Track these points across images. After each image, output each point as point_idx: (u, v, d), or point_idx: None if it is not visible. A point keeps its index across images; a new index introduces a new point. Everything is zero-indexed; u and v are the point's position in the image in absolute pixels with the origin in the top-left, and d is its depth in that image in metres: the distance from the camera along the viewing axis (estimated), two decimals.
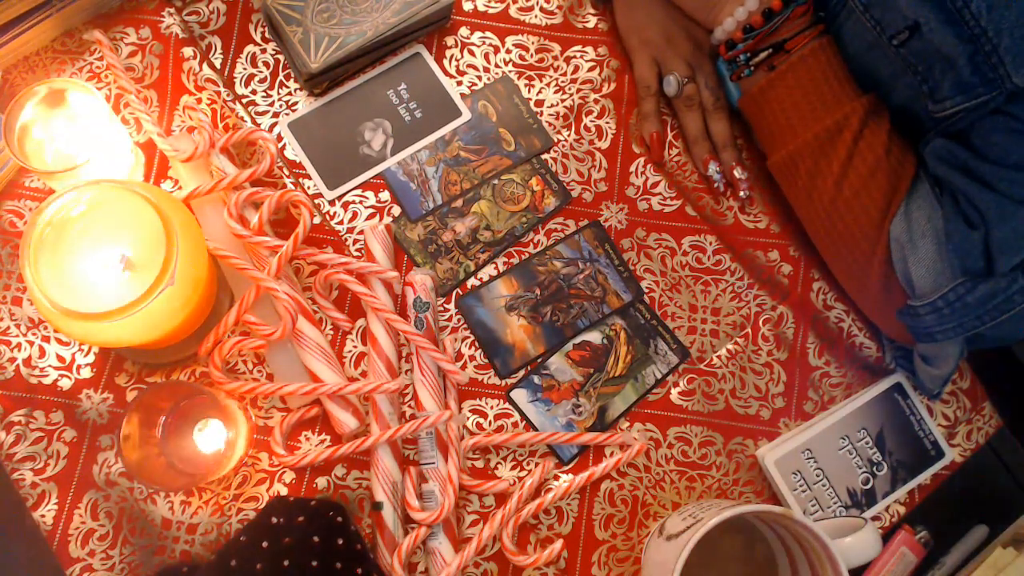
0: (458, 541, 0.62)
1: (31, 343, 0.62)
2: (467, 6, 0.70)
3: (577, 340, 0.65)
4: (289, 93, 0.67)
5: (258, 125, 0.66)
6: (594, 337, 0.66)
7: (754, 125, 0.65)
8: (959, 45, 0.51)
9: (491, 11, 0.70)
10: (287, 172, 0.66)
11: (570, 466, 0.64)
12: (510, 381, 0.65)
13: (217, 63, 0.67)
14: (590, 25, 0.71)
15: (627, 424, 0.65)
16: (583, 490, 0.64)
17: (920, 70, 0.55)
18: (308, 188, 0.66)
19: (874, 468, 0.65)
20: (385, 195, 0.67)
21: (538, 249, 0.67)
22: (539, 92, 0.69)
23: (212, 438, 0.60)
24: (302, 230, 0.61)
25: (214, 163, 0.63)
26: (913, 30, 0.53)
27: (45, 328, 0.62)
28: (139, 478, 0.55)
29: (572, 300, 0.66)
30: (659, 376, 0.66)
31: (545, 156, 0.68)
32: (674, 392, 0.65)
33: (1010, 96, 0.51)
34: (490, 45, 0.70)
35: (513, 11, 0.70)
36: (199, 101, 0.66)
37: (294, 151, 0.66)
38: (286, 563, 0.55)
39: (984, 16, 0.49)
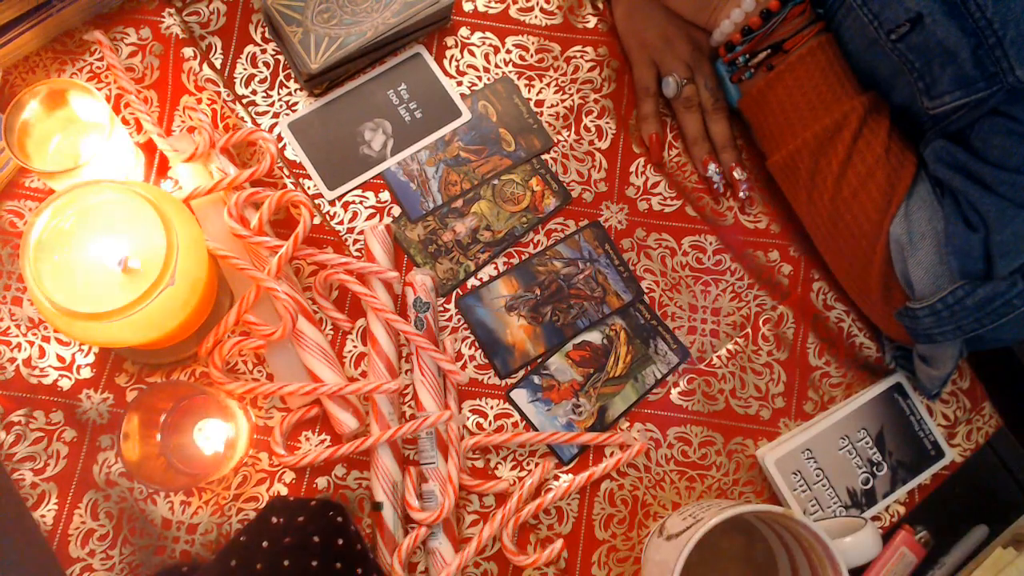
0: (458, 541, 0.62)
1: (31, 343, 0.62)
2: (467, 6, 0.70)
3: (577, 340, 0.65)
4: (289, 93, 0.67)
5: (258, 125, 0.66)
6: (594, 337, 0.66)
7: (754, 126, 0.65)
8: (962, 37, 0.50)
9: (491, 11, 0.70)
10: (287, 172, 0.66)
11: (570, 466, 0.64)
12: (510, 381, 0.65)
13: (217, 63, 0.67)
14: (590, 25, 0.71)
15: (627, 424, 0.65)
16: (583, 490, 0.64)
17: (917, 66, 0.55)
18: (308, 188, 0.66)
19: (874, 468, 0.65)
20: (385, 195, 0.67)
21: (538, 249, 0.67)
22: (539, 92, 0.69)
23: (212, 438, 0.60)
24: (302, 230, 0.61)
25: (214, 163, 0.63)
26: (914, 23, 0.53)
27: (45, 328, 0.62)
28: (139, 478, 0.55)
29: (572, 300, 0.66)
30: (659, 376, 0.66)
31: (545, 156, 0.68)
32: (674, 392, 0.65)
33: (1010, 94, 0.51)
34: (490, 45, 0.70)
35: (513, 11, 0.70)
36: (199, 101, 0.66)
37: (294, 151, 0.67)
38: (286, 563, 0.55)
39: (990, 7, 0.49)
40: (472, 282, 0.66)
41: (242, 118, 0.66)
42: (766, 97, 0.61)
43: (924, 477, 0.66)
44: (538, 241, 0.67)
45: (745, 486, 0.65)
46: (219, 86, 0.66)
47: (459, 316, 0.65)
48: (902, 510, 0.66)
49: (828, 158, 0.59)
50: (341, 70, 0.66)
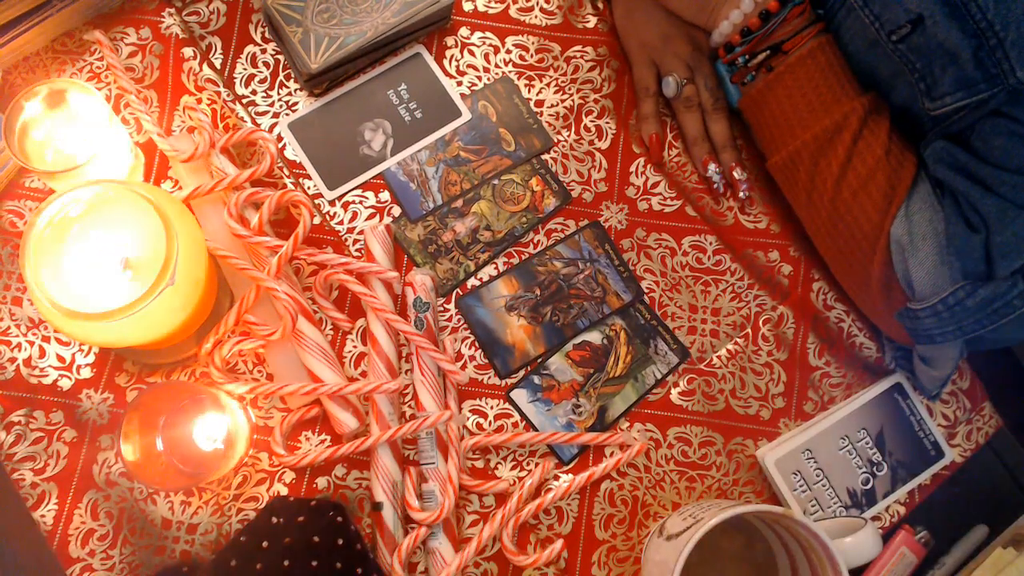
0: (458, 541, 0.62)
1: (31, 343, 0.62)
2: (467, 6, 0.70)
3: (577, 340, 0.65)
4: (289, 93, 0.67)
5: (258, 125, 0.66)
6: (594, 337, 0.66)
7: (753, 126, 0.65)
8: (964, 39, 0.50)
9: (491, 11, 0.70)
10: (287, 172, 0.66)
11: (570, 466, 0.64)
12: (510, 381, 0.65)
13: (217, 63, 0.67)
14: (590, 25, 0.71)
15: (627, 424, 0.65)
16: (583, 490, 0.64)
17: (918, 67, 0.55)
18: (308, 188, 0.66)
19: (874, 468, 0.65)
20: (385, 195, 0.67)
21: (538, 249, 0.67)
22: (539, 92, 0.69)
23: (212, 438, 0.59)
24: (302, 230, 0.61)
25: (214, 163, 0.63)
26: (915, 24, 0.53)
27: (45, 328, 0.62)
28: (139, 478, 0.55)
29: (572, 300, 0.66)
30: (659, 376, 0.66)
31: (545, 156, 0.68)
32: (674, 392, 0.65)
33: (1011, 95, 0.51)
34: (490, 45, 0.70)
35: (513, 11, 0.70)
36: (199, 101, 0.66)
37: (294, 151, 0.67)
38: (286, 563, 0.55)
39: (991, 9, 0.49)
40: (472, 282, 0.66)
41: (242, 118, 0.66)
42: (766, 98, 0.61)
43: (924, 477, 0.66)
44: (538, 241, 0.67)
45: (745, 486, 0.65)
46: (219, 86, 0.66)
47: (459, 316, 0.65)
48: (902, 510, 0.66)
49: (828, 159, 0.59)
50: (341, 70, 0.66)
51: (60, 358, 0.62)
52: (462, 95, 0.69)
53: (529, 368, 0.65)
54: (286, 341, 0.62)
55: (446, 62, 0.69)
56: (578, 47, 0.70)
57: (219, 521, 0.61)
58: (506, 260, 0.66)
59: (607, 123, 0.69)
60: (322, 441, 0.63)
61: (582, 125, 0.69)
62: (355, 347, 0.64)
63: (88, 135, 0.60)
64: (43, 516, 0.60)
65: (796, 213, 0.65)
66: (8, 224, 0.64)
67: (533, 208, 0.67)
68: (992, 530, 0.65)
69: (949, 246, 0.55)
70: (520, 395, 0.64)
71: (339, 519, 0.58)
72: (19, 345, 0.62)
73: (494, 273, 0.66)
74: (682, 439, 0.65)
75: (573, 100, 0.69)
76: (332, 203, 0.66)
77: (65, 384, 0.62)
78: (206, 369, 0.62)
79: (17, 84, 0.65)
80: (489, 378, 0.65)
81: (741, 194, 0.67)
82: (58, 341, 0.62)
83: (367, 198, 0.66)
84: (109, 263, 0.52)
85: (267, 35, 0.68)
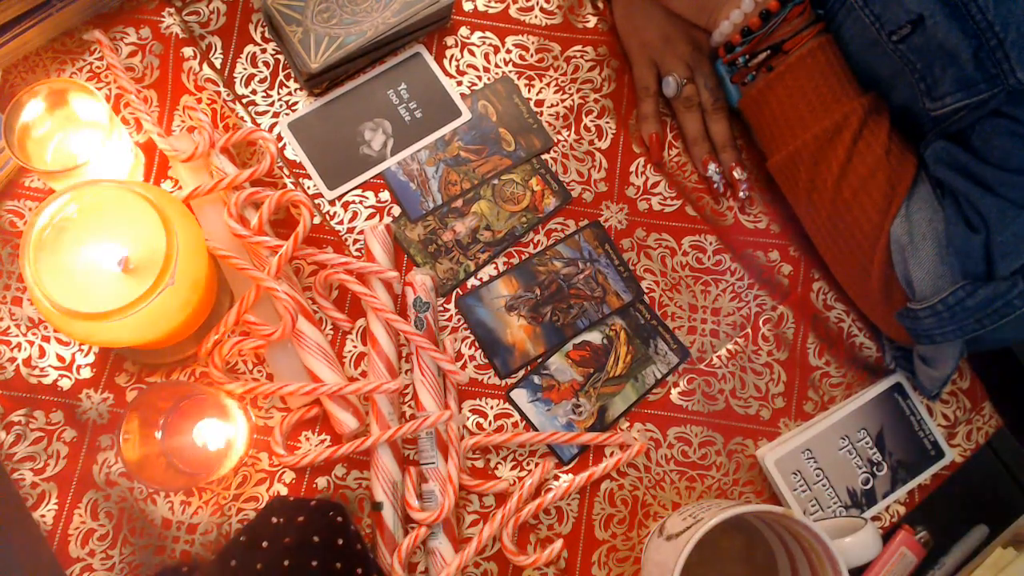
0: (458, 541, 0.62)
1: (31, 343, 0.62)
2: (467, 6, 0.70)
3: (577, 340, 0.65)
4: (289, 93, 0.67)
5: (258, 125, 0.66)
6: (594, 337, 0.66)
7: (754, 126, 0.65)
8: (964, 39, 0.50)
9: (491, 11, 0.70)
10: (287, 172, 0.66)
11: (570, 466, 0.64)
12: (510, 381, 0.65)
13: (217, 63, 0.67)
14: (590, 25, 0.71)
15: (627, 424, 0.65)
16: (583, 490, 0.64)
17: (919, 67, 0.55)
18: (308, 188, 0.66)
19: (874, 468, 0.65)
20: (385, 195, 0.67)
21: (538, 249, 0.67)
22: (539, 92, 0.69)
23: (212, 438, 0.60)
24: (302, 230, 0.61)
25: (214, 163, 0.63)
26: (916, 24, 0.53)
27: (45, 328, 0.62)
28: (139, 478, 0.55)
29: (572, 300, 0.66)
30: (659, 376, 0.66)
31: (545, 156, 0.68)
32: (674, 392, 0.65)
33: (1011, 96, 0.51)
34: (490, 45, 0.70)
35: (513, 11, 0.70)
36: (199, 101, 0.66)
37: (294, 151, 0.66)
38: (286, 563, 0.55)
39: (991, 10, 0.49)
40: (472, 282, 0.66)
41: (242, 118, 0.66)
42: (766, 98, 0.61)
43: (924, 477, 0.66)
44: (538, 241, 0.67)
45: (745, 486, 0.65)
46: (219, 86, 0.66)
47: (459, 316, 0.65)
48: (902, 510, 0.66)
49: (828, 160, 0.59)
50: (341, 70, 0.66)
51: (60, 358, 0.62)
52: (462, 95, 0.69)
53: (529, 368, 0.65)
54: (286, 341, 0.62)
55: (446, 62, 0.69)
56: (578, 47, 0.70)
57: (219, 521, 0.61)
58: (506, 260, 0.66)
59: (607, 123, 0.69)
60: (322, 441, 0.63)
61: (582, 125, 0.69)
62: (355, 347, 0.64)
63: (88, 135, 0.60)
64: (43, 516, 0.60)
65: (796, 213, 0.65)
66: (8, 224, 0.64)
67: (533, 208, 0.67)
68: (992, 530, 0.65)
69: (949, 246, 0.55)
70: (520, 395, 0.64)
71: (339, 519, 0.58)
72: (19, 345, 0.62)
73: (494, 273, 0.66)
74: (682, 439, 0.65)
75: (573, 100, 0.69)
76: (332, 203, 0.66)
77: (65, 384, 0.62)
78: (206, 369, 0.62)
79: (17, 84, 0.65)
80: (489, 378, 0.65)
81: (741, 194, 0.67)
82: (58, 341, 0.62)
83: (367, 198, 0.66)
84: (109, 263, 0.52)
85: (267, 35, 0.68)
